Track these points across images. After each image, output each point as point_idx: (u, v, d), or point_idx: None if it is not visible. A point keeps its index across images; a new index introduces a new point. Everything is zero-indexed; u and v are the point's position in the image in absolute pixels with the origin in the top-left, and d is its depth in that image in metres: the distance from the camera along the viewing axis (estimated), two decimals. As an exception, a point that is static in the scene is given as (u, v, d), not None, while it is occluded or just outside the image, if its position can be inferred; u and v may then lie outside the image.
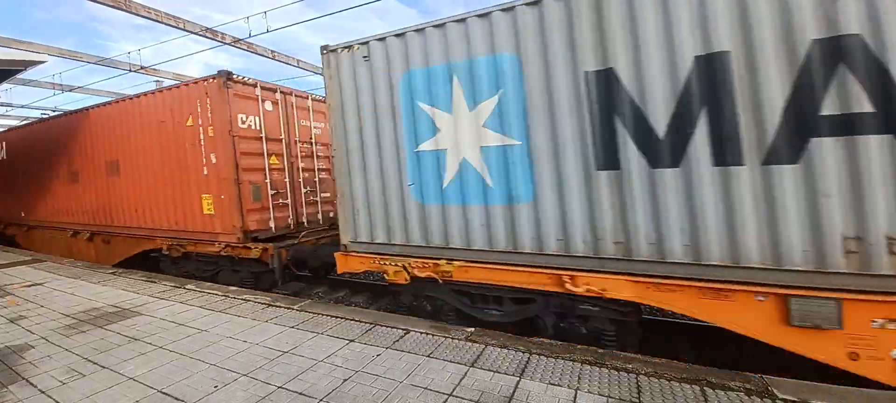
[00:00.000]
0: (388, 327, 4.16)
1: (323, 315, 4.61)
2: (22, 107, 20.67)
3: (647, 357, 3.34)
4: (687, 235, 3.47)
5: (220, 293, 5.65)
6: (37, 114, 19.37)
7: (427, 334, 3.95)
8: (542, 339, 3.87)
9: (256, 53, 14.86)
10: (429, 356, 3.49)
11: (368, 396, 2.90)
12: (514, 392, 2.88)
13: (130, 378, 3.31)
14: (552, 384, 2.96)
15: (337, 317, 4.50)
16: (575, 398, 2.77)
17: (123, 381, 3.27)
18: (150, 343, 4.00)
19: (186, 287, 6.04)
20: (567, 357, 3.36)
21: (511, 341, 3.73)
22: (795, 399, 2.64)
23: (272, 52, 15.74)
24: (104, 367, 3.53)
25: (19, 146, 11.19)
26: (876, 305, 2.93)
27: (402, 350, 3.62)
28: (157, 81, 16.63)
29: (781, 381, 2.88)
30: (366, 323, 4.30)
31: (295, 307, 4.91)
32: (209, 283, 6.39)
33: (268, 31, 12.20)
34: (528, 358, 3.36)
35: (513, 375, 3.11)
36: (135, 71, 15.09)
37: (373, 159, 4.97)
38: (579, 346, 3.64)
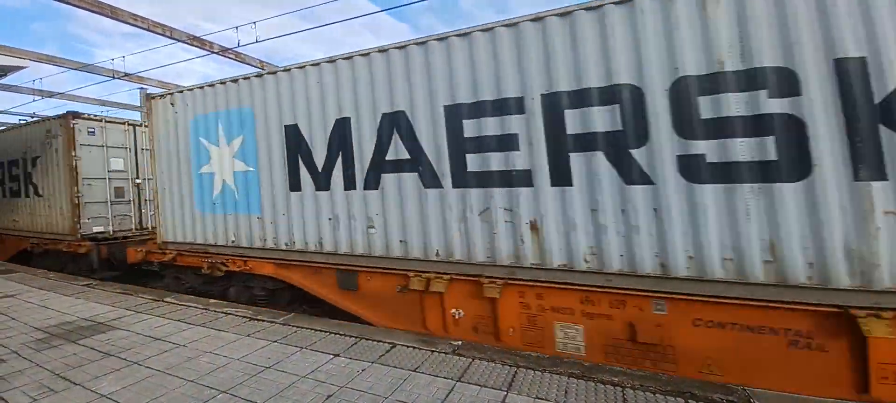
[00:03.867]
0: (373, 341, 4.10)
1: (307, 328, 4.52)
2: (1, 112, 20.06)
3: (633, 371, 3.36)
4: (315, 235, 5.43)
5: (200, 306, 5.50)
6: (15, 119, 18.81)
7: (413, 348, 3.90)
8: (529, 353, 3.86)
9: (245, 63, 14.78)
10: (415, 370, 3.45)
11: (352, 412, 2.84)
12: (500, 406, 2.85)
13: (103, 396, 3.18)
14: (539, 398, 2.95)
15: (321, 331, 4.42)
16: (561, 412, 2.76)
17: (96, 399, 3.14)
18: (125, 359, 3.86)
19: (165, 300, 5.87)
20: (554, 370, 3.35)
21: (498, 355, 3.71)
22: (776, 412, 2.68)
23: (261, 62, 15.66)
24: (76, 384, 3.38)
25: None
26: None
27: (388, 365, 3.56)
28: (141, 88, 16.37)
29: (762, 393, 2.92)
30: (351, 336, 4.23)
31: (278, 320, 4.81)
32: (189, 297, 6.22)
33: (257, 42, 12.15)
34: (516, 372, 3.34)
35: (500, 389, 3.09)
36: (118, 78, 14.83)
37: (175, 178, 6.76)
38: (566, 359, 3.64)
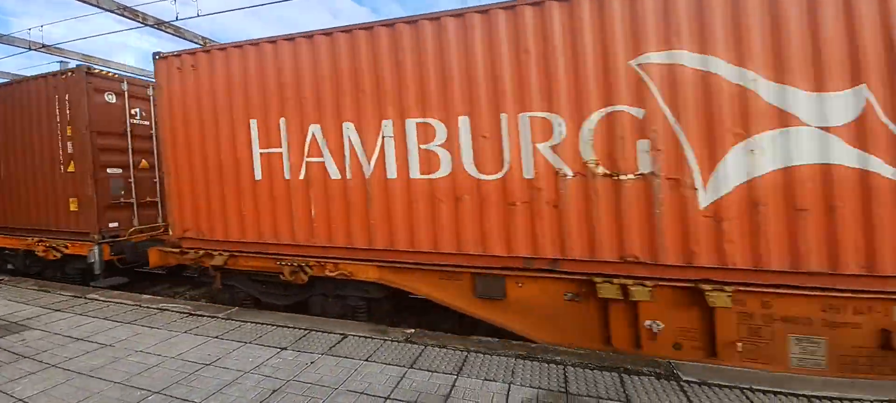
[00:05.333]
0: (323, 332, 4.01)
1: (252, 322, 4.33)
2: None
3: (574, 349, 3.56)
4: None
5: (130, 302, 5.08)
6: None
7: (365, 337, 3.87)
8: (480, 338, 3.95)
9: (185, 38, 13.65)
10: (367, 360, 3.42)
11: (299, 404, 2.77)
12: (451, 390, 2.92)
13: (21, 400, 2.86)
14: (488, 379, 3.05)
15: (268, 325, 4.25)
16: (509, 391, 2.88)
17: (4, 407, 2.82)
18: (43, 361, 3.49)
19: (88, 296, 5.36)
20: (502, 353, 3.48)
21: (450, 341, 3.78)
22: (697, 380, 2.96)
23: (204, 39, 14.54)
24: (-22, 392, 3.02)
25: None
26: None
27: (339, 356, 3.51)
28: (62, 62, 14.62)
29: (685, 364, 3.22)
30: (300, 329, 4.11)
31: (220, 315, 4.56)
32: (117, 292, 5.73)
33: (198, 15, 11.26)
34: (466, 356, 3.43)
35: (451, 374, 3.15)
36: (36, 50, 13.18)
37: None
38: (514, 342, 3.78)
